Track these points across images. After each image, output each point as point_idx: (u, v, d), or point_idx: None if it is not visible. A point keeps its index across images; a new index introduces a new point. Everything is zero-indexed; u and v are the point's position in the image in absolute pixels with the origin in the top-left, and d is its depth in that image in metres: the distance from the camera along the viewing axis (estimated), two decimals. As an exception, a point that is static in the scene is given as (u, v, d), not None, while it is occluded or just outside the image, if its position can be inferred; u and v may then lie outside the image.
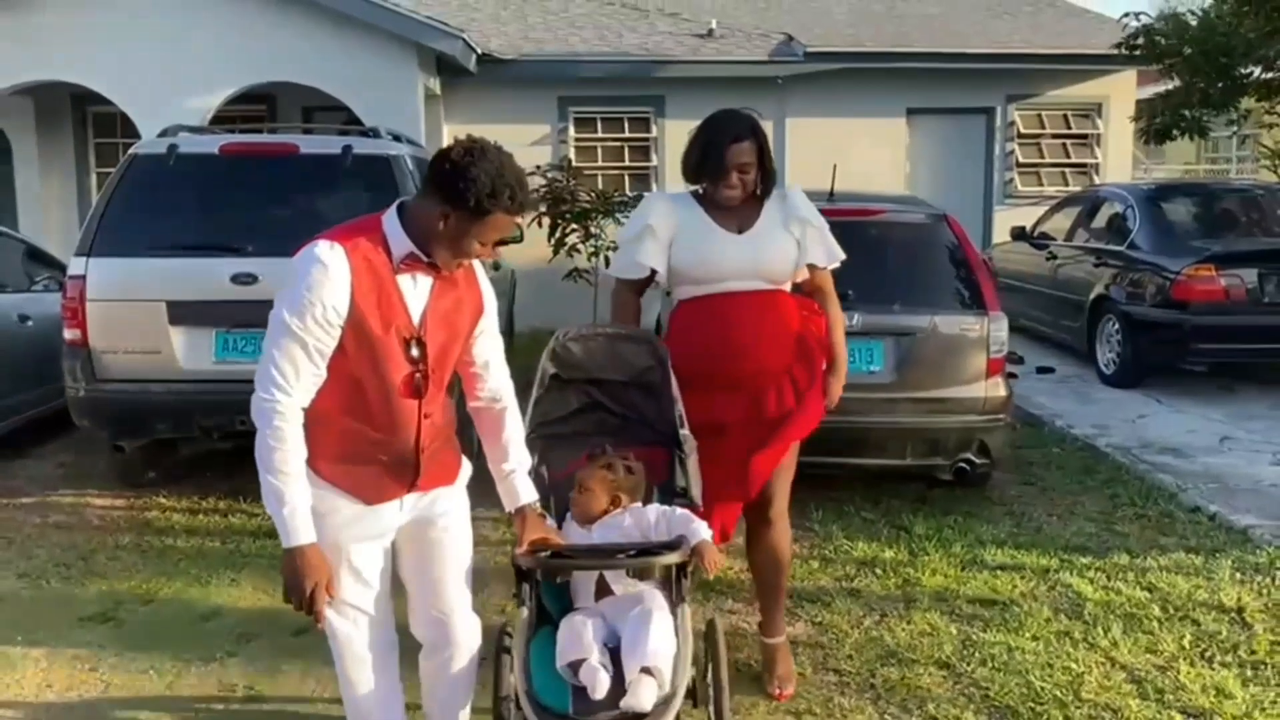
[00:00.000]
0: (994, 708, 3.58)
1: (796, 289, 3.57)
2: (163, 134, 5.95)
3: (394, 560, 2.74)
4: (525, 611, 2.77)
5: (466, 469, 2.82)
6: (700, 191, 3.52)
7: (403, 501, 2.63)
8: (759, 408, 3.42)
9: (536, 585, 2.86)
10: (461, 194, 2.34)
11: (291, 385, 2.37)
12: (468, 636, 2.82)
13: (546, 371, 3.28)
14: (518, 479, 2.80)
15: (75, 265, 5.40)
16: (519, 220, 2.48)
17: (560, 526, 3.02)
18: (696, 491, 3.12)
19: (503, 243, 2.50)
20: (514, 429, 2.83)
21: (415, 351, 2.48)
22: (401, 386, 2.48)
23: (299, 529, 2.38)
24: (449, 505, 2.73)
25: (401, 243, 2.43)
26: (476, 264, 2.65)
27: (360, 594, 2.63)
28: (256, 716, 3.58)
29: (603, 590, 2.84)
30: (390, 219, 2.46)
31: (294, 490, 2.37)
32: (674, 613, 2.74)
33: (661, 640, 2.62)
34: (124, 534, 5.30)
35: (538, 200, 2.28)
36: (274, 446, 2.36)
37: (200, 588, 4.63)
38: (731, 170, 3.36)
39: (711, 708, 2.87)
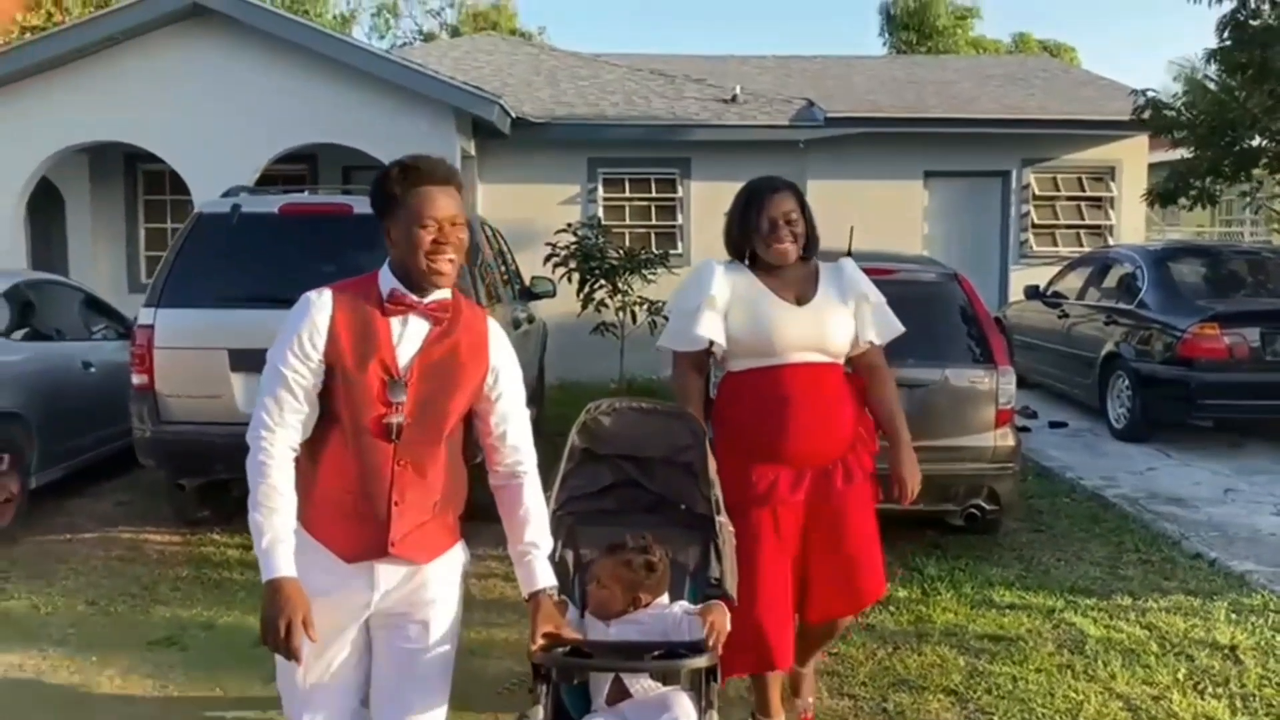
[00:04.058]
0: (997, 731, 3.86)
1: (845, 362, 3.49)
2: (226, 194, 6.37)
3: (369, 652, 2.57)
4: (541, 711, 2.58)
5: (456, 552, 2.61)
6: (752, 259, 3.45)
7: (377, 579, 2.47)
8: (825, 485, 3.35)
9: (553, 682, 2.67)
10: (376, 196, 2.47)
11: (275, 421, 2.37)
12: None
13: (576, 446, 3.07)
14: (535, 561, 2.56)
15: (144, 315, 5.81)
16: (445, 191, 2.46)
17: (583, 615, 2.81)
18: (731, 583, 2.86)
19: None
20: (533, 505, 2.61)
21: (394, 394, 2.42)
22: (373, 425, 2.41)
23: (277, 561, 2.30)
24: (437, 595, 2.53)
25: (388, 281, 2.48)
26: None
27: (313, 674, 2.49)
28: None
29: (620, 693, 2.64)
30: (384, 267, 2.52)
31: (274, 524, 2.32)
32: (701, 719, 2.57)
33: None
34: (183, 567, 5.66)
35: (453, 170, 2.19)
36: (257, 482, 2.35)
37: (257, 616, 4.94)
38: (779, 219, 3.32)
39: None
